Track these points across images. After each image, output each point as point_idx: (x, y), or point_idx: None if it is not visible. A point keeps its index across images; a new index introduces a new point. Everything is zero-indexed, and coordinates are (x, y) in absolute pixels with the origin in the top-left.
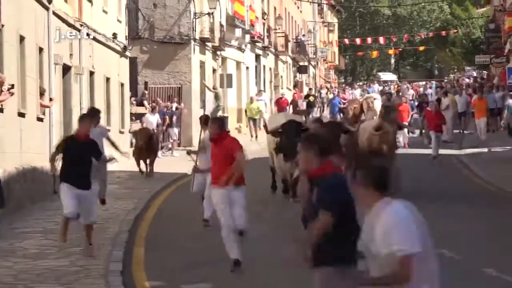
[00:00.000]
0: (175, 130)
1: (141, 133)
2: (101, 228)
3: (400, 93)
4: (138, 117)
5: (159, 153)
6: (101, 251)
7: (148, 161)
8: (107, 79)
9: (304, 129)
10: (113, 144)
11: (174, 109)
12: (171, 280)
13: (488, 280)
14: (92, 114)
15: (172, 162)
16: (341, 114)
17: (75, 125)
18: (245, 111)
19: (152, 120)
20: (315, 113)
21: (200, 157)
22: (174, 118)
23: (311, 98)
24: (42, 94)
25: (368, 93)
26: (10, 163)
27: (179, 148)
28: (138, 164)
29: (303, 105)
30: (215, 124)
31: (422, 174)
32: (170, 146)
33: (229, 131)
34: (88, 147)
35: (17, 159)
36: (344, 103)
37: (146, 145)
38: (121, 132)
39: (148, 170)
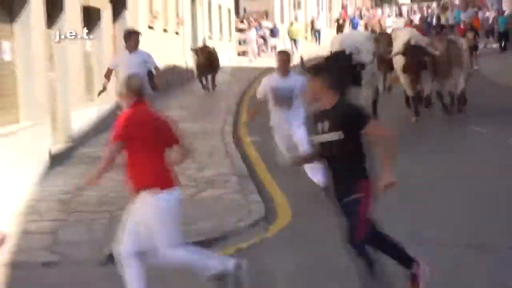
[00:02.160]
0: (275, 41)
1: (202, 51)
2: (217, 102)
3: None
4: (240, 30)
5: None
6: (217, 117)
7: (209, 77)
8: (220, 6)
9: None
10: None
11: (273, 26)
12: (266, 135)
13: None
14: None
15: (268, 60)
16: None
17: (200, 39)
18: (288, 32)
19: (251, 34)
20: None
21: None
22: (274, 31)
23: (340, 21)
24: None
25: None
26: (159, 62)
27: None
28: (201, 81)
29: (316, 25)
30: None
31: None
32: (272, 50)
33: None
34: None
35: (164, 59)
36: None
37: (207, 62)
38: (229, 41)
39: (211, 85)
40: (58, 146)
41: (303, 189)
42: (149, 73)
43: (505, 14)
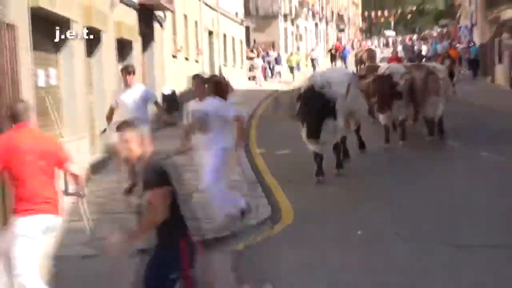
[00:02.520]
0: (279, 68)
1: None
2: None
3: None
4: (251, 59)
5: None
6: None
7: None
8: (233, 38)
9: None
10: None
11: (277, 55)
12: (272, 148)
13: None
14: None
15: (274, 83)
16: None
17: (216, 66)
18: (286, 61)
19: (258, 62)
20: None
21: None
22: (278, 59)
23: (333, 51)
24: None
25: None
26: (181, 85)
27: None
28: None
29: (312, 55)
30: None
31: None
32: (276, 76)
33: None
34: None
35: (185, 84)
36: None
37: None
38: (241, 68)
39: None
40: (96, 157)
41: (304, 194)
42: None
43: (476, 45)
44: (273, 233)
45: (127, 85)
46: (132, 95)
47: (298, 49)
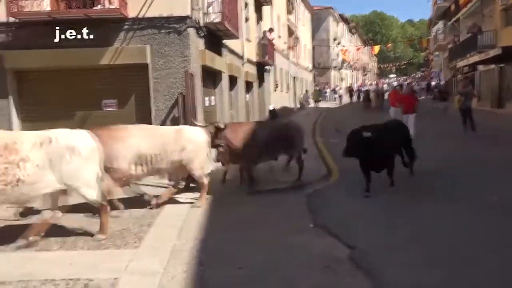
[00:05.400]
0: (335, 95)
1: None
2: (304, 122)
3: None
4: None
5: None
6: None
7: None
8: (306, 80)
9: None
10: None
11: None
12: (327, 138)
13: None
14: None
15: (329, 104)
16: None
17: (297, 95)
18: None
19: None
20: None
21: None
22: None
23: (350, 88)
24: (276, 86)
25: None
26: (277, 105)
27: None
28: None
29: (339, 92)
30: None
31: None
32: (336, 99)
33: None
34: None
35: (281, 104)
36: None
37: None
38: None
39: None
40: None
41: (345, 163)
42: None
43: (442, 82)
44: (329, 183)
45: None
46: None
47: (340, 86)
